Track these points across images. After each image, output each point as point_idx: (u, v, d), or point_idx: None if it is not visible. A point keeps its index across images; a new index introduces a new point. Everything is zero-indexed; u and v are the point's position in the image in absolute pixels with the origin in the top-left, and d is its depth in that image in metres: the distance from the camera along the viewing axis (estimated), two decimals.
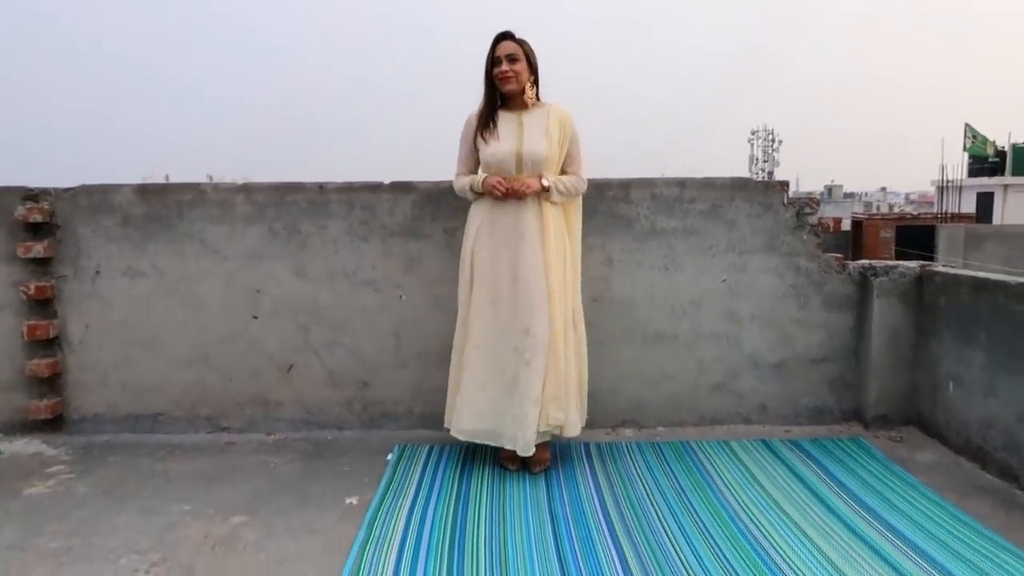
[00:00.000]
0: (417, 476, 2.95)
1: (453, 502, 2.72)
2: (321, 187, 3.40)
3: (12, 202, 3.33)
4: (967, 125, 25.63)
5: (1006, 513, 2.60)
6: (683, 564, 2.27)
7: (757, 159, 44.97)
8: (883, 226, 21.50)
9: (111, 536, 2.47)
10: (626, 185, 3.42)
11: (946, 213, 21.04)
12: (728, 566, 2.26)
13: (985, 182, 25.88)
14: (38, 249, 3.33)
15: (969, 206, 24.24)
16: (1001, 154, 25.92)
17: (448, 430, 3.06)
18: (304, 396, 3.47)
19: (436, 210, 3.39)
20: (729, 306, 3.46)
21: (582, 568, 2.26)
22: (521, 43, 2.92)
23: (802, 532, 2.47)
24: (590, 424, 3.20)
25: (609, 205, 3.41)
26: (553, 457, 3.05)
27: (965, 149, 25.76)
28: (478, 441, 2.98)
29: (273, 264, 3.42)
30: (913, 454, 3.15)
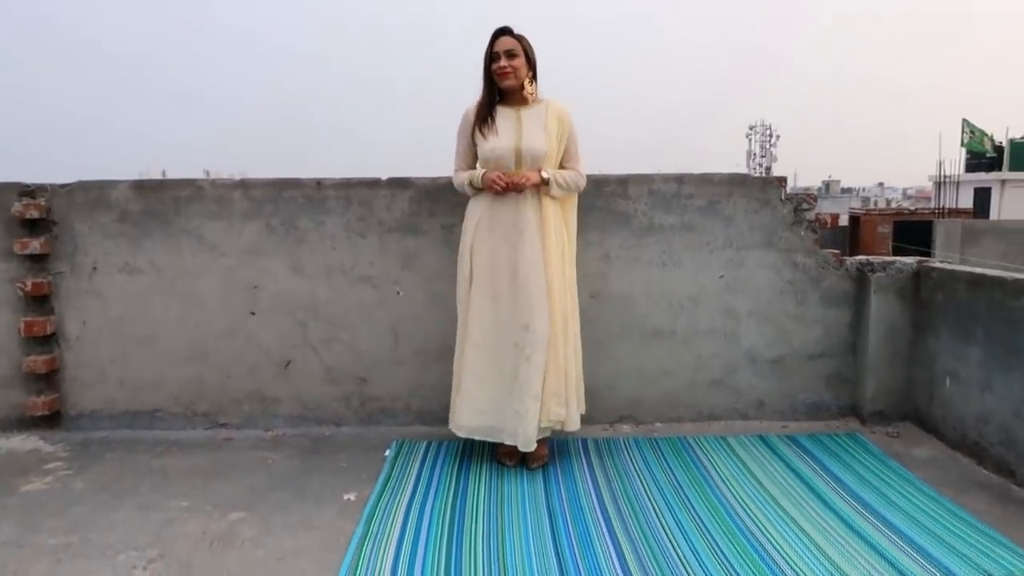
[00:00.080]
0: (415, 472, 2.95)
1: (451, 498, 2.72)
2: (318, 183, 3.40)
3: (9, 198, 3.33)
4: (964, 120, 25.63)
5: (1002, 508, 2.61)
6: (680, 560, 2.28)
7: (755, 154, 44.96)
8: (880, 221, 21.50)
9: (109, 532, 2.47)
10: (624, 181, 3.42)
11: (943, 208, 21.05)
12: (725, 561, 2.27)
13: (982, 177, 25.88)
14: (35, 245, 3.33)
15: (966, 201, 24.22)
16: (999, 149, 25.92)
17: (451, 430, 3.06)
18: (302, 392, 3.47)
19: (434, 206, 3.38)
20: (726, 302, 3.46)
21: (580, 563, 2.26)
22: (520, 39, 2.91)
23: (799, 527, 2.48)
24: (588, 420, 3.21)
25: (607, 201, 3.40)
26: (551, 453, 3.06)
27: (963, 145, 25.75)
28: (477, 438, 2.98)
29: (270, 260, 3.41)
30: (910, 449, 3.16)
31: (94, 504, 2.69)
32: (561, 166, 3.00)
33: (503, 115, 2.95)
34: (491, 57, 2.90)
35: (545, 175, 2.88)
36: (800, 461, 3.04)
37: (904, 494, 2.72)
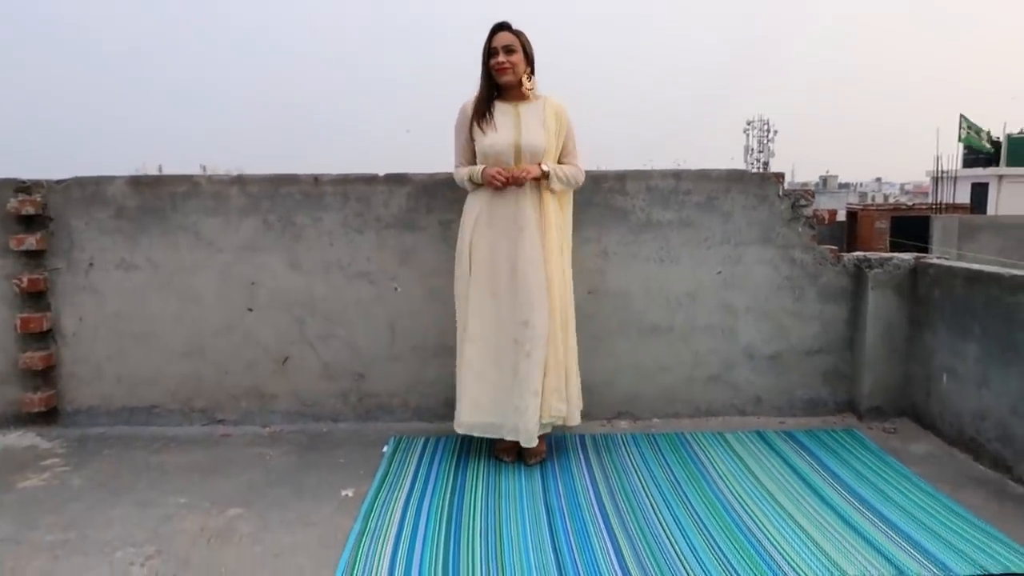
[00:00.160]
0: (413, 468, 2.95)
1: (449, 494, 2.72)
2: (316, 179, 3.39)
3: (4, 194, 3.31)
4: (962, 116, 25.62)
5: (999, 504, 2.61)
6: (678, 555, 2.29)
7: (752, 149, 44.93)
8: (878, 216, 21.52)
9: (106, 529, 2.46)
10: (622, 177, 3.41)
11: (941, 204, 21.07)
12: (722, 557, 2.27)
13: (980, 173, 25.89)
14: (31, 241, 3.32)
15: (964, 196, 24.24)
16: (996, 145, 25.94)
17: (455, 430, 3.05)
18: (299, 388, 3.47)
19: (431, 202, 3.38)
20: (724, 298, 3.46)
21: (577, 560, 2.26)
22: (518, 34, 2.90)
23: (796, 523, 2.48)
24: (586, 416, 3.21)
25: (605, 197, 3.40)
26: (548, 449, 3.06)
27: (960, 140, 25.76)
28: (477, 434, 2.97)
29: (268, 256, 3.40)
30: (907, 445, 3.17)
31: (91, 500, 2.68)
32: (559, 162, 3.00)
33: (501, 111, 2.94)
34: (489, 52, 2.89)
35: (545, 168, 2.88)
36: (797, 457, 3.04)
37: (901, 490, 2.73)
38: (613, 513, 2.57)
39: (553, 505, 2.63)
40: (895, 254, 3.51)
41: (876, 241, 19.69)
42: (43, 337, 3.40)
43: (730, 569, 2.21)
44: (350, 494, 2.72)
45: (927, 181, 27.82)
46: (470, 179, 2.95)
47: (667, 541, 2.37)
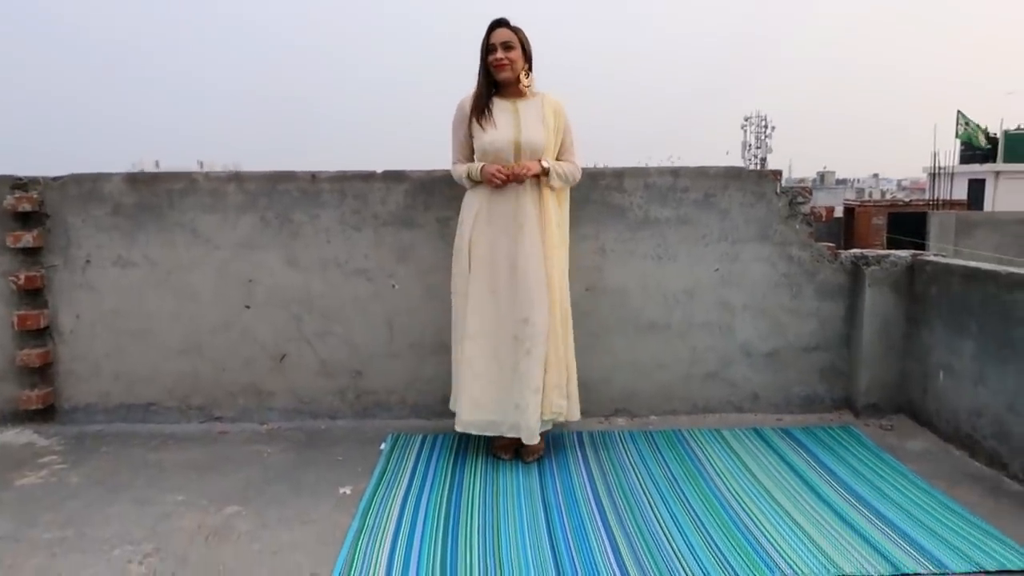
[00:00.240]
0: (411, 465, 2.95)
1: (447, 491, 2.73)
2: (313, 176, 3.38)
3: (1, 191, 3.30)
4: (959, 112, 25.66)
5: (995, 501, 2.62)
6: (674, 552, 2.29)
7: (750, 145, 44.96)
8: (875, 213, 21.55)
9: (104, 527, 2.46)
10: (619, 174, 3.41)
11: (938, 200, 21.09)
12: (719, 554, 2.28)
13: (977, 169, 25.92)
14: (28, 239, 3.31)
15: (961, 193, 24.26)
16: (993, 141, 25.96)
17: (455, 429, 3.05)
18: (297, 385, 3.47)
19: (429, 199, 3.38)
20: (722, 295, 3.47)
21: (575, 556, 2.27)
22: (516, 31, 2.90)
23: (792, 520, 2.49)
24: (583, 413, 3.21)
25: (602, 194, 3.40)
26: (546, 446, 3.07)
27: (957, 136, 25.79)
28: (476, 432, 2.97)
29: (265, 253, 3.40)
30: (903, 442, 3.18)
31: (89, 498, 2.68)
32: (557, 159, 3.00)
33: (500, 107, 2.94)
34: (487, 49, 2.89)
35: (545, 164, 2.88)
36: (794, 454, 3.05)
37: (897, 487, 2.74)
38: (610, 510, 2.57)
39: (551, 502, 2.63)
40: (892, 251, 3.52)
41: (873, 237, 19.73)
42: (40, 334, 3.39)
43: (727, 566, 2.22)
44: (348, 491, 2.72)
45: (924, 177, 27.86)
46: (469, 176, 2.94)
47: (664, 538, 2.38)
